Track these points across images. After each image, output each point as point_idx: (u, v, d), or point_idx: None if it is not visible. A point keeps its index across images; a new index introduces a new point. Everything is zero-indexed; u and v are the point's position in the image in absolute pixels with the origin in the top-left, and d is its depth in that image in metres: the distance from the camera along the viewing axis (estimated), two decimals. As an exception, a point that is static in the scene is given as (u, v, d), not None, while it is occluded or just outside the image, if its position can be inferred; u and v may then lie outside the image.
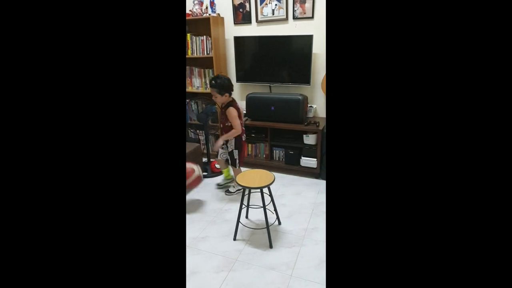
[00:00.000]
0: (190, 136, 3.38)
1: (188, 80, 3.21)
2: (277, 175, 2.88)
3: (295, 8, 2.78)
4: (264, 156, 3.08)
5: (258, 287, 1.61)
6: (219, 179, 2.79)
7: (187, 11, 2.98)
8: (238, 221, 1.99)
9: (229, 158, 2.47)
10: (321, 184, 2.73)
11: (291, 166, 2.90)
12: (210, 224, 2.18)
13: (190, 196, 2.57)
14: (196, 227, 2.14)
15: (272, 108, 2.81)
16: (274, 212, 2.14)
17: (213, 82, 2.25)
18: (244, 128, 2.44)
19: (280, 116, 2.80)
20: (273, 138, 2.95)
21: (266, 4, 2.87)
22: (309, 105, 2.97)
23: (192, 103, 3.32)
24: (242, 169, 2.39)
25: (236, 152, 2.43)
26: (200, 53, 3.01)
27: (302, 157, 2.81)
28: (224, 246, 1.94)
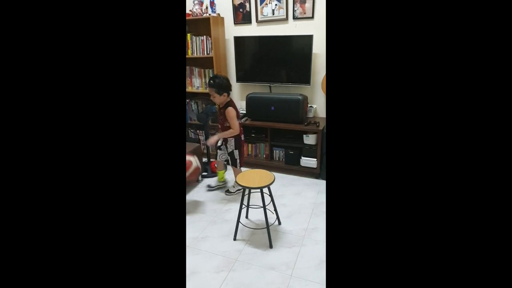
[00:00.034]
0: (190, 136, 3.38)
1: (188, 80, 3.21)
2: (277, 175, 2.88)
3: (295, 8, 2.78)
4: (264, 156, 3.07)
5: (258, 287, 1.61)
6: (212, 181, 2.74)
7: (187, 11, 2.98)
8: (238, 221, 1.99)
9: (229, 158, 2.46)
10: (321, 184, 2.73)
11: (291, 166, 2.90)
12: (210, 224, 2.18)
13: (190, 196, 2.57)
14: (196, 227, 2.14)
15: (272, 108, 2.81)
16: (274, 212, 2.14)
17: (211, 81, 2.23)
18: (242, 128, 2.43)
19: (280, 116, 2.80)
20: (273, 138, 2.95)
21: (266, 4, 2.87)
22: (309, 105, 2.97)
23: (192, 103, 3.32)
24: (243, 169, 2.38)
25: (236, 152, 2.42)
26: (200, 53, 3.01)
27: (302, 157, 2.81)
28: (224, 246, 1.94)
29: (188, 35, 2.99)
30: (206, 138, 2.92)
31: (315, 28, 2.75)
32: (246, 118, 2.99)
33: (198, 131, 3.35)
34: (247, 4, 2.94)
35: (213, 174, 2.92)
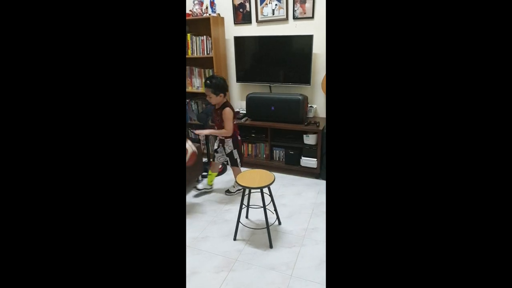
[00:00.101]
0: (190, 136, 3.38)
1: (188, 80, 3.21)
2: (277, 175, 2.88)
3: (295, 8, 2.78)
4: (264, 156, 3.07)
5: (258, 287, 1.61)
6: (201, 184, 2.65)
7: (187, 11, 2.98)
8: (238, 221, 1.99)
9: (228, 159, 2.45)
10: (321, 184, 2.73)
11: (291, 166, 2.90)
12: (210, 224, 2.18)
13: (190, 196, 2.57)
14: (196, 227, 2.14)
15: (272, 108, 2.80)
16: (274, 212, 2.14)
17: (208, 82, 2.20)
18: (238, 129, 2.42)
19: (280, 116, 2.80)
20: (273, 138, 2.95)
21: (266, 4, 2.87)
22: (309, 105, 2.97)
23: (192, 103, 3.32)
24: (243, 169, 2.38)
25: (235, 152, 2.41)
26: (200, 53, 3.01)
27: (302, 157, 2.81)
28: (224, 246, 1.94)
29: (188, 35, 2.99)
30: (206, 138, 2.92)
31: (315, 28, 2.75)
32: (246, 118, 2.99)
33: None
34: (247, 4, 2.94)
35: (213, 174, 2.91)
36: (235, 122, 2.35)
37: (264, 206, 1.90)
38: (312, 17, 2.75)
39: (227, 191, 2.61)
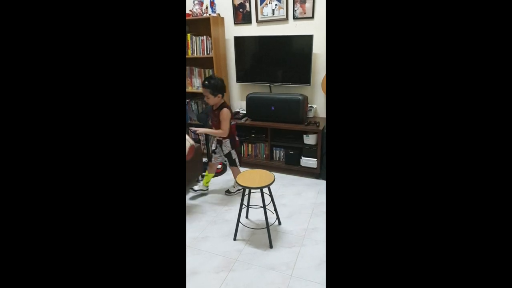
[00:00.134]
0: (190, 136, 3.38)
1: (188, 80, 3.21)
2: (277, 175, 2.88)
3: (295, 8, 2.78)
4: (264, 156, 3.07)
5: (258, 287, 1.61)
6: (197, 185, 2.61)
7: (187, 11, 2.98)
8: (238, 221, 1.99)
9: (227, 160, 2.44)
10: (321, 184, 2.73)
11: (291, 166, 2.90)
12: (210, 224, 2.18)
13: (189, 196, 2.57)
14: (196, 227, 2.14)
15: (272, 108, 2.80)
16: (274, 212, 2.14)
17: (206, 82, 2.19)
18: (236, 129, 2.41)
19: (280, 116, 2.80)
20: (273, 138, 2.95)
21: (266, 4, 2.87)
22: (309, 105, 2.97)
23: (192, 103, 3.32)
24: (243, 169, 2.38)
25: (233, 152, 2.40)
26: (200, 53, 3.01)
27: (302, 157, 2.81)
28: (224, 246, 1.94)
29: (188, 35, 2.99)
30: (206, 138, 2.92)
31: (315, 28, 2.75)
32: (246, 118, 2.99)
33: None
34: (247, 4, 2.94)
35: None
36: (233, 123, 2.35)
37: (264, 206, 1.90)
38: (312, 17, 2.75)
39: (227, 191, 2.61)
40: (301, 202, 2.44)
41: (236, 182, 1.95)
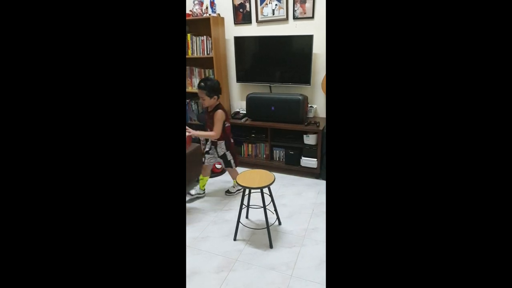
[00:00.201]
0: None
1: (188, 80, 3.22)
2: (277, 175, 2.88)
3: (295, 8, 2.78)
4: (264, 156, 3.07)
5: (258, 287, 1.61)
6: (193, 189, 2.56)
7: (187, 11, 2.98)
8: (238, 221, 1.99)
9: (222, 161, 2.41)
10: (322, 184, 2.73)
11: (291, 166, 2.90)
12: (210, 224, 2.18)
13: (187, 199, 2.57)
14: (196, 227, 2.14)
15: (272, 108, 2.81)
16: (274, 212, 2.14)
17: (202, 84, 2.16)
18: (231, 133, 2.39)
19: (280, 116, 2.80)
20: (273, 138, 2.95)
21: (266, 4, 2.87)
22: (309, 105, 2.97)
23: (192, 103, 3.32)
24: (243, 169, 2.38)
25: (228, 153, 2.38)
26: (200, 53, 3.01)
27: (303, 157, 2.81)
28: (224, 246, 1.94)
29: (188, 35, 2.99)
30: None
31: (315, 28, 2.75)
32: (246, 118, 2.99)
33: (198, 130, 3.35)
34: (247, 4, 2.94)
35: (213, 174, 2.91)
36: (227, 125, 2.32)
37: (264, 206, 1.90)
38: (312, 17, 2.75)
39: (227, 192, 2.61)
40: (301, 202, 2.44)
41: (236, 182, 1.95)
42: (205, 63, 3.13)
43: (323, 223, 2.14)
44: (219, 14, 2.99)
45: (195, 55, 3.04)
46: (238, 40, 2.98)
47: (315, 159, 2.75)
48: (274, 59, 2.89)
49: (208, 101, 2.20)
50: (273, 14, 2.88)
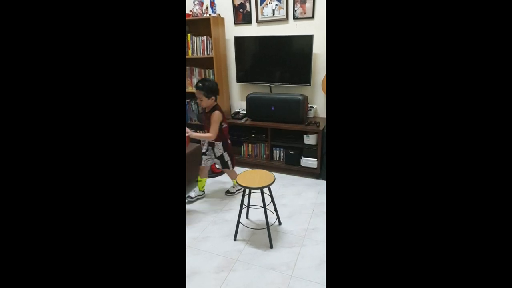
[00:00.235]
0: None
1: (188, 81, 3.22)
2: (278, 175, 2.88)
3: (296, 8, 2.78)
4: (264, 156, 3.07)
5: (258, 287, 1.61)
6: (193, 191, 2.54)
7: (188, 11, 2.99)
8: (239, 221, 1.99)
9: (219, 162, 2.40)
10: (322, 184, 2.72)
11: (292, 166, 2.90)
12: (210, 224, 2.18)
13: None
14: (196, 227, 2.15)
15: (273, 108, 2.81)
16: (274, 212, 2.14)
17: (200, 84, 2.15)
18: (228, 134, 2.38)
19: (281, 116, 2.80)
20: (274, 138, 2.95)
21: (267, 4, 2.87)
22: (309, 105, 2.97)
23: (193, 103, 3.32)
24: (243, 169, 2.38)
25: (226, 155, 2.37)
26: (200, 53, 3.01)
27: (303, 157, 2.81)
28: (224, 246, 1.94)
29: (188, 35, 2.99)
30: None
31: (316, 28, 2.75)
32: (247, 118, 3.00)
33: (198, 131, 3.35)
34: (247, 4, 2.94)
35: (213, 174, 2.92)
36: (225, 126, 2.30)
37: (264, 206, 1.90)
38: (312, 17, 2.75)
39: (227, 192, 2.61)
40: (301, 202, 2.44)
41: (236, 182, 1.94)
42: (205, 63, 3.13)
43: (323, 223, 2.14)
44: (219, 14, 2.99)
45: (195, 55, 3.04)
46: (238, 40, 2.98)
47: (315, 159, 2.75)
48: (274, 59, 2.89)
49: (205, 102, 2.19)
50: (273, 14, 2.88)
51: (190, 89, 3.21)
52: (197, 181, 2.57)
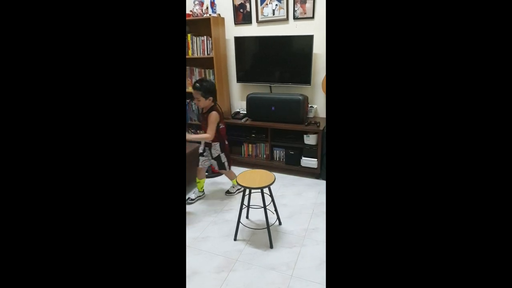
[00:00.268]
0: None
1: (188, 81, 3.21)
2: (278, 175, 2.88)
3: (296, 8, 2.78)
4: (264, 156, 3.07)
5: (259, 287, 1.61)
6: (192, 193, 2.54)
7: (188, 12, 2.99)
8: (239, 221, 1.99)
9: (216, 163, 2.38)
10: (322, 184, 2.72)
11: (292, 167, 2.90)
12: (210, 224, 2.18)
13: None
14: (196, 227, 2.15)
15: (273, 108, 2.81)
16: (274, 212, 2.14)
17: (197, 84, 2.13)
18: (226, 135, 2.36)
19: (281, 116, 2.80)
20: (274, 138, 2.95)
21: (267, 4, 2.87)
22: (309, 105, 2.97)
23: (193, 104, 3.32)
24: (243, 169, 2.38)
25: (223, 156, 2.35)
26: (200, 54, 3.01)
27: (303, 157, 2.81)
28: (224, 246, 1.94)
29: (189, 35, 2.99)
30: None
31: (316, 28, 2.75)
32: (247, 118, 3.00)
33: (198, 131, 3.35)
34: (248, 5, 2.94)
35: (213, 174, 2.92)
36: (222, 126, 2.29)
37: (264, 206, 1.90)
38: (313, 17, 2.75)
39: (227, 192, 2.61)
40: (302, 202, 2.43)
41: (236, 182, 1.94)
42: (205, 63, 3.13)
43: (323, 223, 2.14)
44: (219, 14, 2.99)
45: (195, 55, 3.04)
46: (239, 40, 2.98)
47: (316, 159, 2.75)
48: (275, 59, 2.89)
49: (203, 102, 2.18)
50: (273, 14, 2.88)
51: (190, 89, 3.19)
52: (196, 182, 2.57)
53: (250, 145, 3.11)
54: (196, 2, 2.92)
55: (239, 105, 3.36)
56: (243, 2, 2.95)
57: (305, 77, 2.82)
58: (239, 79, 3.13)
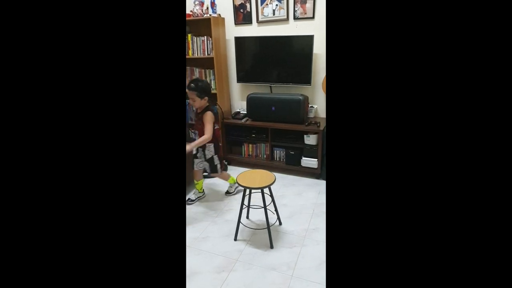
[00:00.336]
0: (190, 136, 3.39)
1: (188, 81, 3.21)
2: (278, 175, 2.88)
3: (296, 9, 2.78)
4: (264, 156, 3.07)
5: (259, 288, 1.61)
6: (192, 193, 2.54)
7: (188, 12, 2.99)
8: (239, 221, 1.99)
9: (208, 165, 2.34)
10: (322, 184, 2.72)
11: (292, 167, 2.90)
12: (211, 225, 2.18)
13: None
14: (196, 228, 2.15)
15: (273, 108, 2.80)
16: (274, 212, 2.14)
17: (192, 85, 2.11)
18: (220, 137, 2.34)
19: (281, 117, 2.80)
20: (274, 139, 2.95)
21: (267, 4, 2.87)
22: (310, 106, 2.97)
23: (193, 104, 3.32)
24: (243, 169, 2.37)
25: (216, 158, 2.32)
26: (200, 54, 3.01)
27: (303, 158, 2.81)
28: (225, 247, 1.94)
29: (189, 35, 2.99)
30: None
31: (316, 29, 2.75)
32: (247, 118, 3.00)
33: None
34: (248, 5, 2.94)
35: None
36: (216, 127, 2.27)
37: (264, 207, 1.90)
38: (313, 18, 2.75)
39: (227, 192, 2.61)
40: (302, 202, 2.43)
41: (236, 181, 1.93)
42: (206, 63, 3.13)
43: (323, 223, 2.14)
44: (219, 14, 2.99)
45: (195, 56, 3.04)
46: (239, 41, 2.98)
47: (316, 159, 2.75)
48: (275, 59, 2.89)
49: (198, 102, 2.16)
50: (274, 14, 2.88)
51: (190, 89, 3.21)
52: (194, 184, 2.57)
53: (250, 145, 3.11)
54: (197, 2, 2.92)
55: (239, 105, 3.36)
56: (243, 2, 2.95)
57: (305, 77, 2.82)
58: (239, 79, 3.13)
